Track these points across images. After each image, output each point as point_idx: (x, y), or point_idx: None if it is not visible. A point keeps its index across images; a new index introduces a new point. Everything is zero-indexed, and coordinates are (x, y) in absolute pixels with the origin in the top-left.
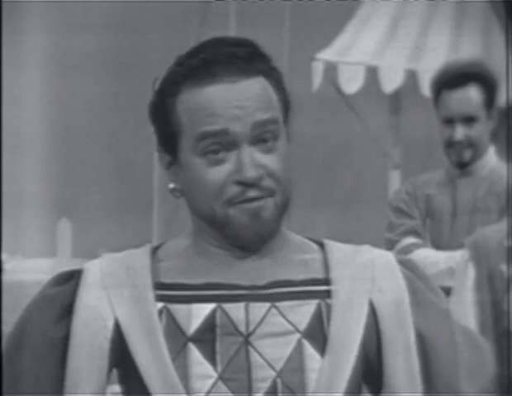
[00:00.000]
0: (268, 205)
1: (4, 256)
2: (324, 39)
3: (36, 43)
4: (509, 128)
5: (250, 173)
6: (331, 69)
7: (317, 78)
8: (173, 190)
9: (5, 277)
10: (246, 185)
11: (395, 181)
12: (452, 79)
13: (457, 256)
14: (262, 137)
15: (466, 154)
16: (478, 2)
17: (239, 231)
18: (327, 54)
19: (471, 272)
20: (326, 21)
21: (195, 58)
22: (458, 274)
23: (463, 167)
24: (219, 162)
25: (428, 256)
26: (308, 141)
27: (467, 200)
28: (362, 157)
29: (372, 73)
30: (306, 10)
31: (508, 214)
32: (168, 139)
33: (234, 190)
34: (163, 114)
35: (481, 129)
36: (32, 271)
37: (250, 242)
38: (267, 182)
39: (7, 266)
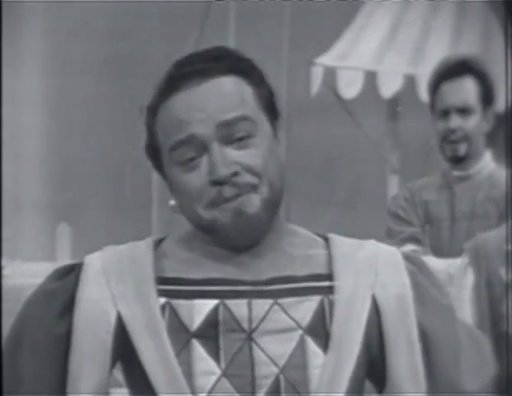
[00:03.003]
0: (252, 202)
1: (3, 261)
2: (323, 43)
3: (36, 46)
4: (507, 132)
5: (222, 171)
6: (330, 74)
7: (316, 83)
8: (173, 207)
9: (4, 281)
10: (220, 183)
11: (393, 185)
12: (448, 70)
13: (457, 264)
14: (233, 135)
15: (461, 148)
16: (477, 1)
17: (225, 232)
18: (326, 59)
19: (470, 276)
20: (325, 25)
21: (163, 79)
22: (457, 278)
23: (458, 162)
24: (194, 168)
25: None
26: (306, 145)
27: (466, 205)
28: (360, 162)
29: (371, 78)
30: (306, 14)
31: (507, 218)
32: (156, 159)
33: (212, 191)
34: (148, 136)
35: (476, 124)
36: (31, 276)
37: (237, 241)
38: (246, 178)
39: (6, 271)
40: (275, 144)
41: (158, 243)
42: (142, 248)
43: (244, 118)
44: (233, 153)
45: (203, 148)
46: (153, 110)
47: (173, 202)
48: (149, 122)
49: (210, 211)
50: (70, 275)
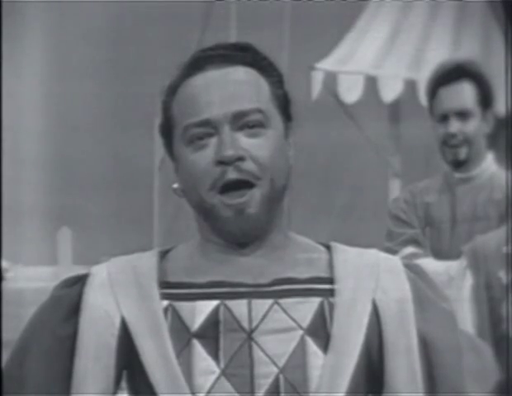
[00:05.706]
0: (254, 201)
1: (5, 265)
2: (323, 47)
3: (36, 47)
4: (508, 134)
5: (229, 152)
6: (331, 79)
7: (316, 87)
8: (176, 190)
9: (6, 285)
10: (226, 164)
11: (395, 189)
12: (444, 76)
13: (457, 266)
14: (246, 124)
15: (462, 152)
16: (477, 2)
17: (223, 225)
18: (327, 64)
19: (469, 279)
20: (326, 29)
21: (188, 60)
22: (456, 281)
23: (459, 166)
24: (203, 147)
25: (427, 267)
26: (307, 150)
27: (467, 207)
28: (362, 166)
29: (372, 83)
30: (306, 17)
31: (507, 220)
32: (167, 137)
33: (215, 171)
34: (164, 113)
35: (476, 127)
36: (33, 279)
37: (234, 236)
38: (249, 166)
39: (8, 275)
40: (285, 145)
41: (164, 253)
42: (147, 256)
43: (258, 110)
44: (242, 140)
45: (215, 130)
46: (173, 89)
47: (176, 185)
48: (168, 100)
49: (212, 195)
50: (78, 283)
